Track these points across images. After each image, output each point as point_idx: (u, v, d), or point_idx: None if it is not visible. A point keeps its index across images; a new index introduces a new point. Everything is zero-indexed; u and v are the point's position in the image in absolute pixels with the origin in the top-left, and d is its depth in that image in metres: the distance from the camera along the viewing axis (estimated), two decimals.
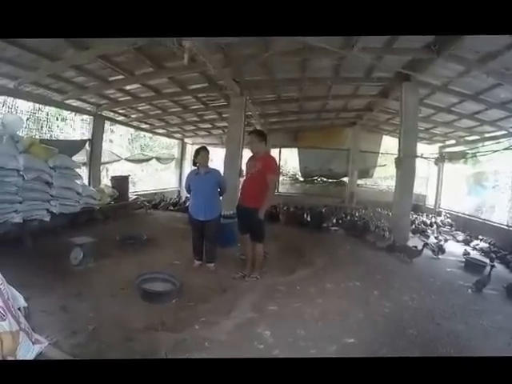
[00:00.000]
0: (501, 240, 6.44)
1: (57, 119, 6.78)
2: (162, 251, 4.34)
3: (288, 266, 4.12)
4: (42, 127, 6.06)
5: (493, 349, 2.49)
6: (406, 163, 5.57)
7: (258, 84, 6.25)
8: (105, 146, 7.63)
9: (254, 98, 7.02)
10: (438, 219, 8.64)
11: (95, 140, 6.94)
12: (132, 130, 10.49)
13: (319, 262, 4.36)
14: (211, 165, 3.89)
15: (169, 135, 11.03)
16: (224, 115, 8.26)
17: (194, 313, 2.72)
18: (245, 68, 5.29)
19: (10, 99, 5.15)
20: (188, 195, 4.64)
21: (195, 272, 3.68)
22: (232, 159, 6.14)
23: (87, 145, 6.80)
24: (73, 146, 5.91)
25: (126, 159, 9.27)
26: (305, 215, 7.10)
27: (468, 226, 7.88)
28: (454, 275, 4.47)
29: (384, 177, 12.19)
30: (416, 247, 5.00)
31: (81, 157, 6.51)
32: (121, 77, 5.33)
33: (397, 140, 6.77)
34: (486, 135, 7.86)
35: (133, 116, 8.20)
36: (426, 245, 5.18)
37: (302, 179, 11.83)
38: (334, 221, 7.13)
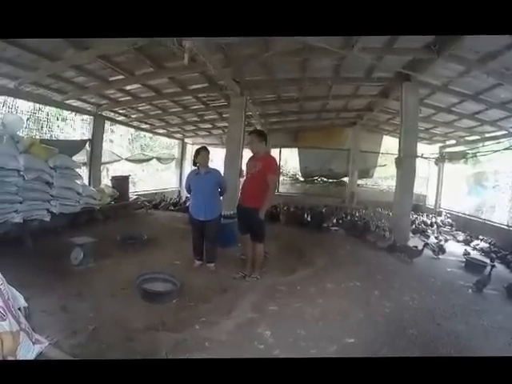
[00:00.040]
0: (501, 240, 6.44)
1: (57, 119, 6.78)
2: (162, 251, 4.34)
3: (288, 265, 4.12)
4: (42, 127, 6.07)
5: (493, 349, 2.49)
6: (406, 163, 5.57)
7: (259, 84, 6.25)
8: (105, 146, 7.64)
9: (255, 98, 7.02)
10: (439, 219, 8.64)
11: (95, 140, 6.95)
12: (132, 130, 10.49)
13: (319, 262, 4.36)
14: (211, 165, 3.89)
15: (169, 135, 11.03)
16: (224, 115, 8.27)
17: (194, 313, 2.72)
18: (245, 68, 5.29)
19: (10, 99, 5.16)
20: (188, 195, 4.64)
21: (195, 272, 3.68)
22: (232, 159, 6.14)
23: (87, 145, 6.81)
24: (73, 146, 5.91)
25: (127, 159, 9.28)
26: (305, 215, 7.10)
27: (468, 226, 7.87)
28: (454, 275, 4.47)
29: (384, 177, 12.19)
30: (416, 247, 5.00)
31: (81, 157, 6.51)
32: (121, 77, 5.33)
33: (397, 140, 6.77)
34: (487, 135, 7.86)
35: (133, 116, 8.20)
36: (426, 245, 5.18)
37: (302, 179, 11.83)
38: (335, 221, 7.13)
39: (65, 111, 6.72)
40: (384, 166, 11.14)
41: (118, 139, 11.26)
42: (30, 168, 3.93)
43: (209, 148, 3.85)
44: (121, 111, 7.69)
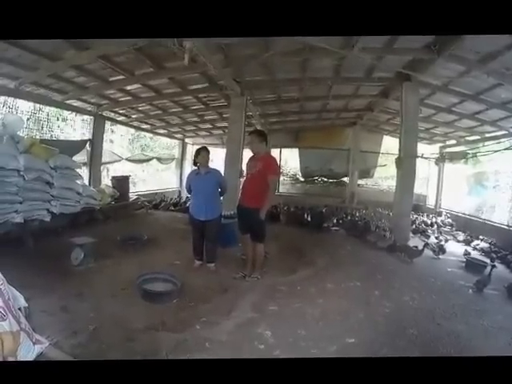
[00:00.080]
0: (501, 240, 6.43)
1: (57, 119, 6.79)
2: (162, 251, 4.34)
3: (289, 266, 4.12)
4: (42, 127, 6.07)
5: (493, 349, 2.49)
6: (406, 163, 5.57)
7: (259, 84, 6.25)
8: (105, 146, 7.64)
9: (255, 98, 7.02)
10: (439, 219, 8.64)
11: (96, 140, 6.95)
12: (132, 130, 10.51)
13: (320, 262, 4.35)
14: (212, 165, 3.89)
15: (169, 135, 11.04)
16: (224, 115, 8.27)
17: (194, 313, 2.72)
18: (245, 68, 5.29)
19: (10, 99, 5.16)
20: (188, 195, 4.64)
21: (196, 272, 3.68)
22: (232, 159, 6.14)
23: (88, 145, 6.81)
24: (73, 146, 5.92)
25: (127, 159, 9.29)
26: (305, 215, 7.09)
27: (468, 226, 7.87)
28: (454, 275, 4.46)
29: (384, 177, 12.20)
30: (417, 247, 4.99)
31: (81, 157, 6.52)
32: (121, 77, 5.34)
33: (397, 140, 6.76)
34: (487, 135, 7.85)
35: (133, 116, 8.21)
36: (426, 245, 5.18)
37: (302, 179, 11.84)
38: (335, 221, 7.11)
39: (65, 111, 6.73)
40: (384, 166, 11.14)
41: (119, 139, 11.27)
42: (30, 168, 3.93)
43: (209, 148, 3.85)
44: (121, 111, 7.70)
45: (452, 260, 5.19)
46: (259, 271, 3.63)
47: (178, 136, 11.25)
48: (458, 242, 6.83)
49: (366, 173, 11.41)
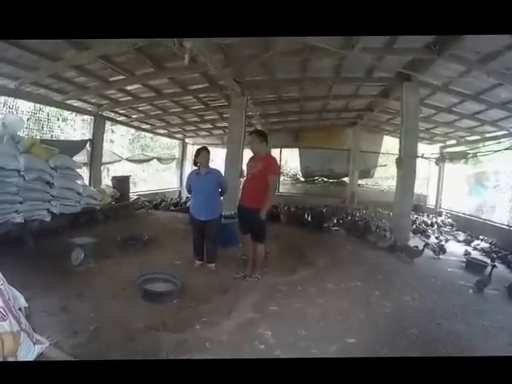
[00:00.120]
0: (502, 240, 6.43)
1: (57, 119, 6.81)
2: (163, 251, 4.34)
3: (289, 266, 4.12)
4: (42, 127, 6.08)
5: (494, 349, 2.49)
6: (406, 163, 5.56)
7: (259, 84, 6.25)
8: (105, 146, 7.65)
9: (255, 98, 7.02)
10: (439, 219, 8.64)
11: (96, 140, 6.95)
12: (133, 131, 10.51)
13: (320, 262, 4.35)
14: (212, 165, 3.89)
15: (170, 135, 11.04)
16: (225, 115, 8.27)
17: (195, 313, 2.72)
18: (245, 68, 5.29)
19: (10, 99, 5.17)
20: (189, 195, 4.64)
21: (196, 272, 3.68)
22: (233, 159, 6.14)
23: (88, 145, 6.81)
24: (73, 147, 5.92)
25: (127, 159, 9.29)
26: (306, 215, 7.09)
27: (469, 226, 7.87)
28: (455, 275, 4.46)
29: (385, 177, 12.20)
30: (417, 247, 5.00)
31: (81, 157, 6.52)
32: (121, 77, 5.34)
33: (397, 140, 6.75)
34: (487, 135, 7.85)
35: (133, 116, 8.21)
36: (426, 245, 5.18)
37: (302, 179, 11.84)
38: (335, 221, 7.12)
39: (65, 111, 6.75)
40: (384, 166, 11.15)
41: (119, 139, 11.29)
42: (30, 168, 3.93)
43: (209, 148, 3.85)
44: (121, 111, 7.70)
45: (452, 260, 5.19)
46: (259, 271, 3.63)
47: (179, 136, 11.25)
48: (459, 242, 6.83)
49: (367, 173, 11.41)
